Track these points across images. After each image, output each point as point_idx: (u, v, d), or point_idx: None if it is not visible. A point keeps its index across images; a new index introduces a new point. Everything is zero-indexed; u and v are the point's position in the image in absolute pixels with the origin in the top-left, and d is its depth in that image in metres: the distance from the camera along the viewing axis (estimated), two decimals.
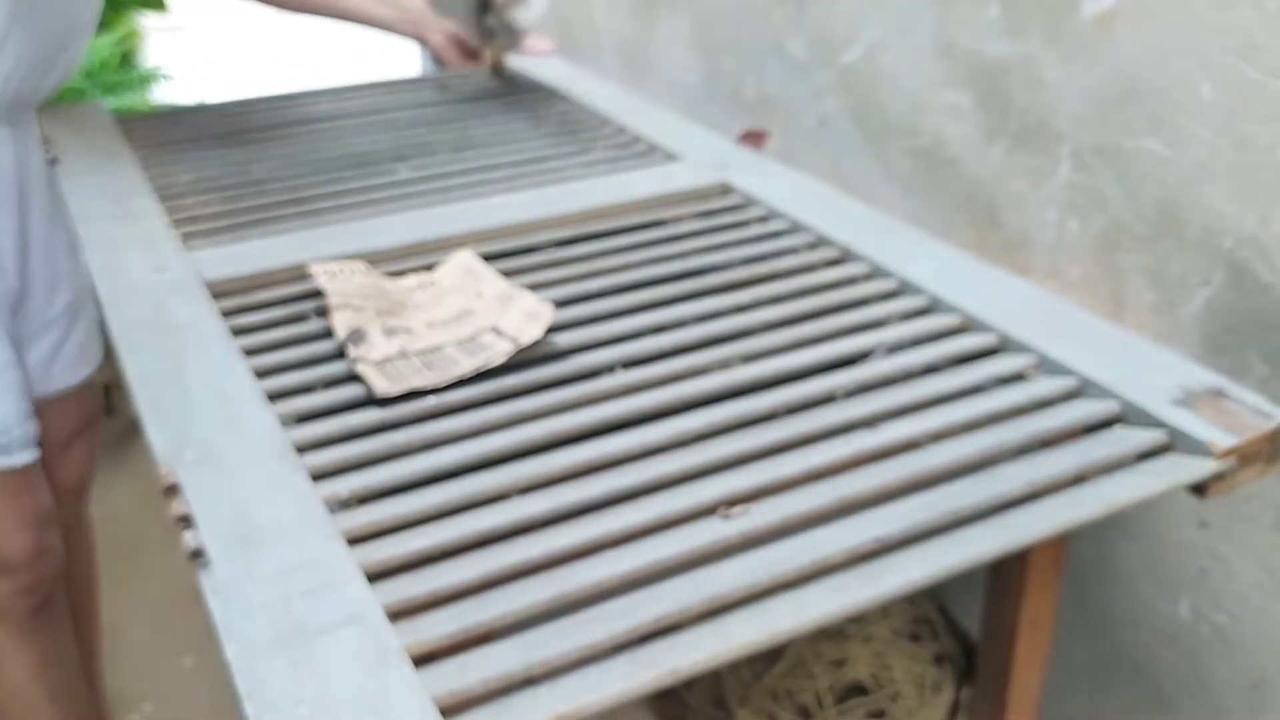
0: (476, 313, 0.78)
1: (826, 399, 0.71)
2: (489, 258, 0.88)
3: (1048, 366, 0.73)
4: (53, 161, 1.06)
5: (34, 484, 1.03)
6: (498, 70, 1.34)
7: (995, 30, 0.98)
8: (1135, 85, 0.87)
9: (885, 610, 1.08)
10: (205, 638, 0.55)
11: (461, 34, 1.24)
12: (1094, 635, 1.03)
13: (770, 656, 1.05)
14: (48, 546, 1.05)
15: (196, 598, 0.54)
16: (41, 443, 1.04)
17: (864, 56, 1.14)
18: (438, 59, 1.30)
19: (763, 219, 0.96)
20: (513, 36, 1.22)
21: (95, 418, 1.18)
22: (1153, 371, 0.71)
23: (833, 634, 1.06)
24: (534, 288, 0.83)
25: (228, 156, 1.09)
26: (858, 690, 1.05)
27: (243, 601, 0.53)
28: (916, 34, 1.06)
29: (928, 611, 1.10)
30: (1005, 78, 0.98)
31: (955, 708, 1.05)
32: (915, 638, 1.08)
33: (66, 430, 1.12)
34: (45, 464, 1.08)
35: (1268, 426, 0.65)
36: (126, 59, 1.91)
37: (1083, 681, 1.06)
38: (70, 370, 1.10)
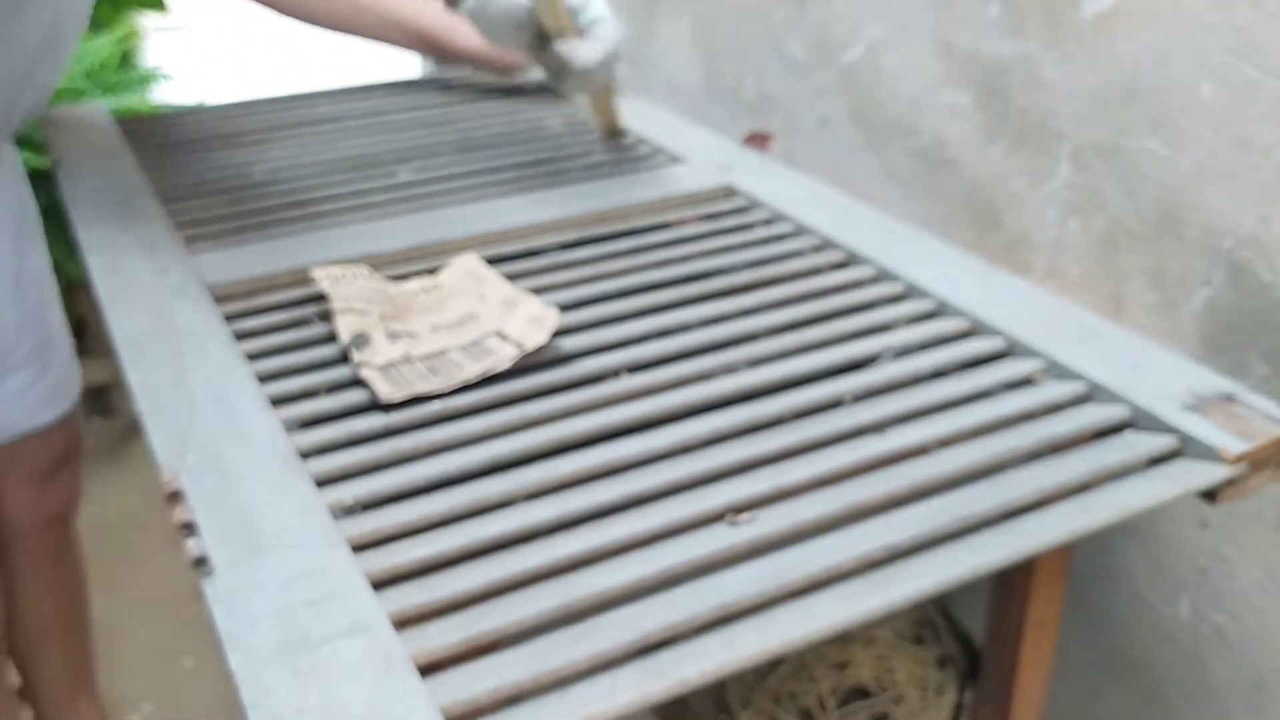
0: (481, 317, 0.78)
1: (834, 404, 0.70)
2: (492, 261, 0.87)
3: (1056, 371, 0.73)
4: (54, 164, 1.06)
5: None
6: (613, 134, 1.11)
7: (995, 30, 0.98)
8: (1135, 85, 0.86)
9: (889, 614, 1.08)
10: (205, 638, 0.54)
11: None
12: (1094, 635, 1.03)
13: (773, 659, 1.05)
14: None
15: (196, 598, 0.54)
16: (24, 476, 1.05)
17: (864, 56, 1.14)
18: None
19: (768, 222, 0.96)
20: (579, 80, 0.94)
21: (77, 447, 1.16)
22: (1162, 376, 0.71)
23: (836, 637, 1.06)
24: (538, 291, 0.83)
25: (229, 158, 1.09)
26: (860, 693, 1.05)
27: (246, 610, 0.52)
28: (916, 34, 1.06)
29: (930, 614, 1.10)
30: (1005, 78, 0.98)
31: (958, 710, 1.05)
32: (918, 640, 1.08)
33: (47, 463, 1.11)
34: (28, 498, 1.09)
35: (1278, 432, 0.65)
36: (126, 59, 1.90)
37: (1082, 681, 1.06)
38: (43, 408, 1.07)
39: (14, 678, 1.24)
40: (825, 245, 0.91)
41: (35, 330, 1.04)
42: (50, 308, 1.06)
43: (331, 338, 0.77)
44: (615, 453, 0.65)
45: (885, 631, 1.07)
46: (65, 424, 1.11)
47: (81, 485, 1.19)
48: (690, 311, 0.81)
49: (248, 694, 0.48)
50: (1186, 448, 0.66)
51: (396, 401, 0.69)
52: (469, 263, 0.85)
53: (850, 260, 0.89)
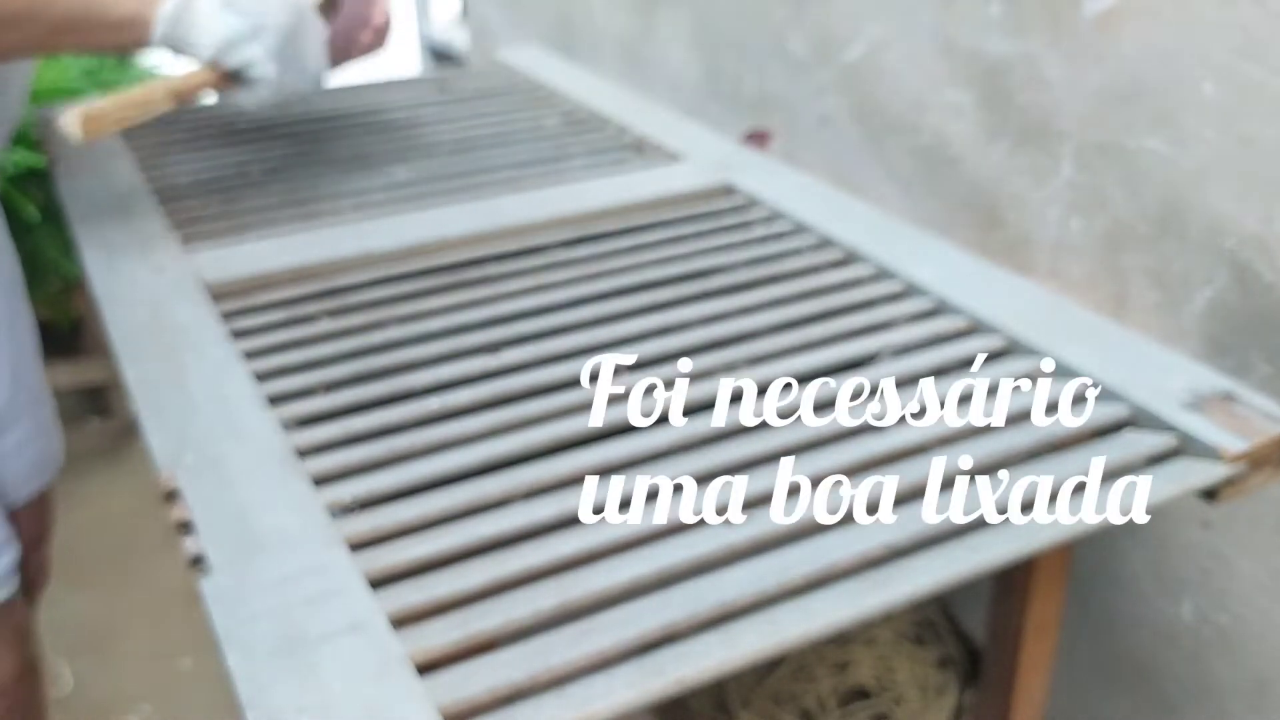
0: None
1: (832, 402, 0.70)
2: (491, 259, 0.87)
3: (1055, 369, 0.73)
4: (51, 162, 1.06)
5: (15, 606, 0.96)
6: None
7: (997, 29, 0.97)
8: (1137, 84, 0.86)
9: (889, 613, 1.07)
10: (203, 639, 0.54)
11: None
12: (1096, 636, 1.03)
13: (773, 659, 1.05)
14: (30, 663, 1.00)
15: (194, 599, 0.54)
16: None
17: (865, 55, 1.14)
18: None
19: (767, 220, 0.96)
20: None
21: (51, 524, 1.09)
22: (1162, 374, 0.71)
23: (836, 637, 1.06)
24: (537, 289, 0.83)
25: (226, 157, 1.09)
26: (861, 694, 1.05)
27: (244, 609, 0.52)
28: (918, 32, 1.06)
29: (931, 614, 1.09)
30: (1007, 76, 0.98)
31: (959, 711, 1.04)
32: (919, 641, 1.08)
33: (24, 541, 1.03)
34: None
35: (1278, 430, 0.65)
36: (124, 58, 1.90)
37: (1085, 682, 1.06)
38: (31, 475, 1.00)
39: None
40: (824, 243, 0.91)
41: (28, 383, 0.97)
42: (37, 361, 1.00)
43: (330, 336, 0.77)
44: (614, 451, 0.64)
45: (886, 632, 1.07)
46: (42, 501, 1.04)
47: (51, 565, 1.11)
48: (689, 310, 0.81)
49: (245, 692, 0.48)
50: (1186, 446, 0.65)
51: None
52: None
53: (849, 258, 0.89)
